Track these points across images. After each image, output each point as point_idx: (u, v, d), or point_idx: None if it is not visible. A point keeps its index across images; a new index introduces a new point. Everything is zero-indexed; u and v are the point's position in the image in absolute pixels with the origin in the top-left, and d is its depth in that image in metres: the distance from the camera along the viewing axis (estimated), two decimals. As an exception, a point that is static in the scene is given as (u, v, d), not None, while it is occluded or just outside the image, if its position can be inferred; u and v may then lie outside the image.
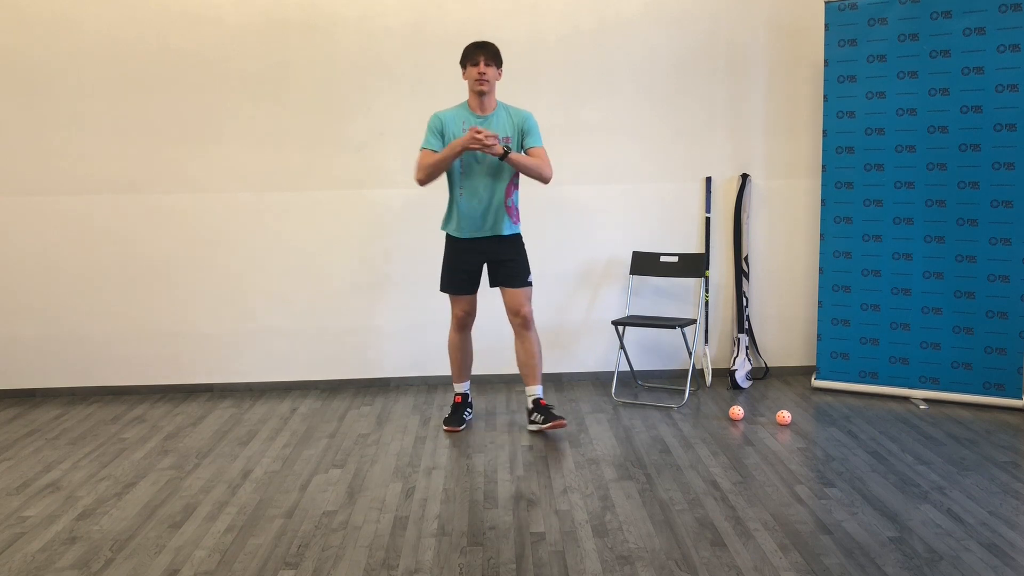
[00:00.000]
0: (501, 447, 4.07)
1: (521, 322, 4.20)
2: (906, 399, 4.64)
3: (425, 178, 4.08)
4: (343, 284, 5.08)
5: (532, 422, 4.24)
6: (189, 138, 4.93)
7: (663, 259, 4.95)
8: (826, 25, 4.66)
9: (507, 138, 4.08)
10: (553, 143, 4.92)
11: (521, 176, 4.19)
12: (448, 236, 4.24)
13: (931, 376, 4.60)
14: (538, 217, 5.01)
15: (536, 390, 4.25)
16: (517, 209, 4.21)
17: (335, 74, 4.90)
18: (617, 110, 4.99)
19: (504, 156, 3.96)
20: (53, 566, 2.97)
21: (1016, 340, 4.39)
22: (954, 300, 4.51)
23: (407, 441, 4.19)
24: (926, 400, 4.59)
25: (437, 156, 4.02)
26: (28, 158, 4.94)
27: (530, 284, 4.24)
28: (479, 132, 3.87)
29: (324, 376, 5.16)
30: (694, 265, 4.90)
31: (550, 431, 4.22)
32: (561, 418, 4.16)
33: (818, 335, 4.86)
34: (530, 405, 4.26)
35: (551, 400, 4.77)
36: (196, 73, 4.88)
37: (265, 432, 4.38)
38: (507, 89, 4.81)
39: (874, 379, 4.74)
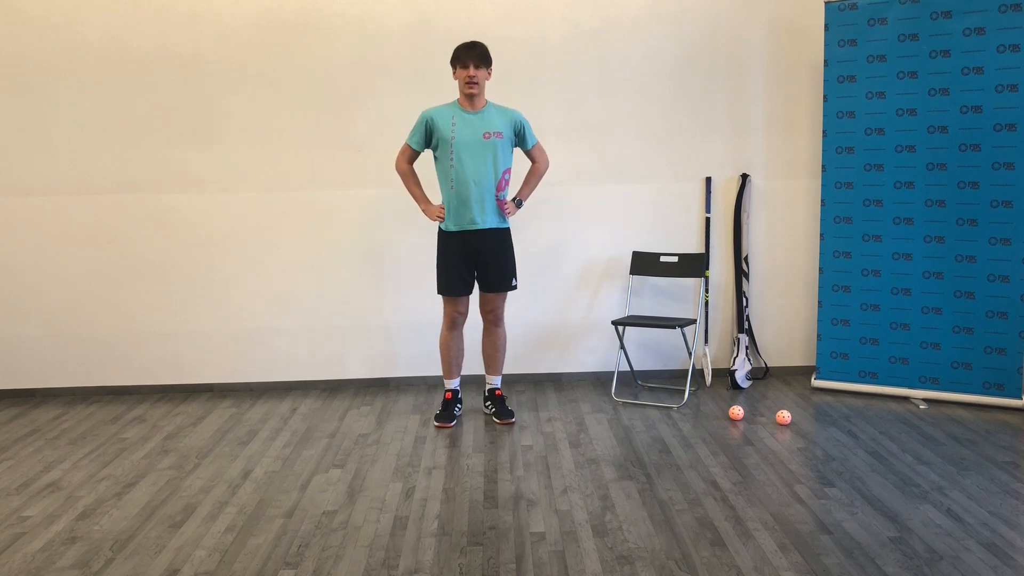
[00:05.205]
0: (501, 447, 4.07)
1: (493, 319, 4.44)
2: (906, 399, 4.64)
3: (400, 177, 4.35)
4: (343, 284, 5.08)
5: (486, 408, 4.57)
6: (189, 138, 4.93)
7: (663, 259, 4.95)
8: (826, 25, 4.65)
9: (498, 133, 4.19)
10: (553, 143, 4.92)
11: (513, 172, 4.37)
12: (440, 232, 4.32)
13: (931, 376, 4.60)
14: (538, 217, 5.01)
15: (495, 380, 4.54)
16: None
17: (335, 74, 4.90)
18: (617, 110, 4.99)
19: (520, 205, 4.35)
20: (53, 566, 2.97)
21: (1016, 340, 4.39)
22: (954, 300, 4.51)
23: (407, 441, 4.19)
24: (926, 400, 4.59)
25: (412, 187, 4.30)
26: (28, 158, 4.94)
27: (514, 287, 4.39)
28: (507, 209, 4.24)
29: (324, 376, 5.16)
30: (694, 265, 4.90)
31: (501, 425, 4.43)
32: (511, 416, 4.42)
33: (818, 335, 4.86)
34: (486, 392, 4.56)
35: (551, 400, 4.79)
36: (196, 73, 4.88)
37: (265, 432, 4.38)
38: (508, 89, 4.81)
39: (874, 379, 4.74)
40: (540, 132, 4.86)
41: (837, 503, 3.32)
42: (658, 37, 4.94)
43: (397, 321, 5.11)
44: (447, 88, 4.46)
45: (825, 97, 4.72)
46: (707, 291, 5.05)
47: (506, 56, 4.85)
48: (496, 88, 4.66)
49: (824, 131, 4.74)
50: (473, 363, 4.87)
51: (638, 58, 4.96)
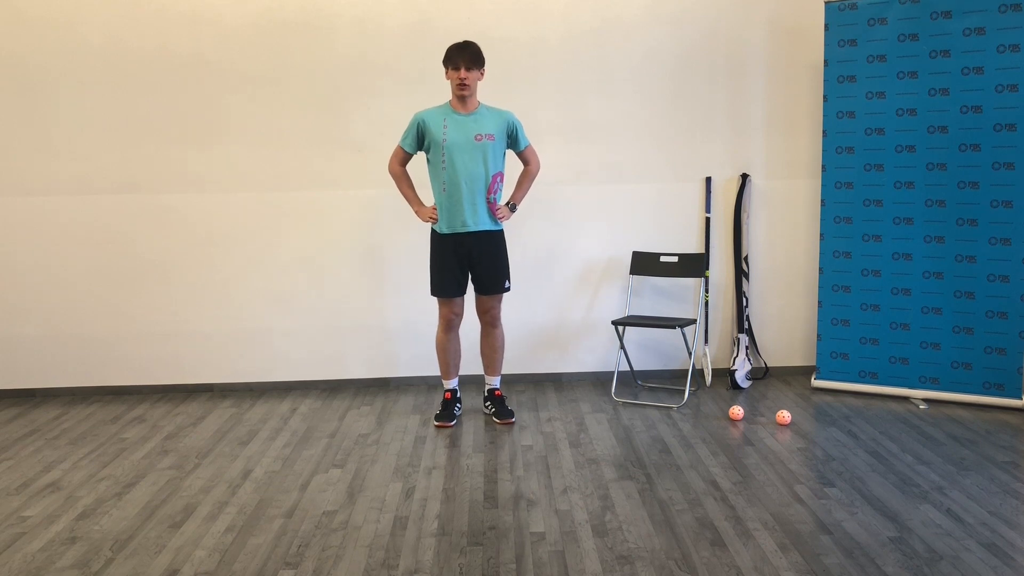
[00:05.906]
0: (501, 447, 4.07)
1: (490, 320, 4.44)
2: (906, 399, 4.64)
3: (393, 179, 4.37)
4: (343, 284, 5.08)
5: (486, 408, 4.57)
6: (189, 138, 4.93)
7: (663, 259, 4.95)
8: (826, 25, 4.65)
9: (490, 135, 4.18)
10: (553, 143, 4.93)
11: (506, 174, 4.37)
12: (433, 233, 4.33)
13: (931, 376, 4.60)
14: (538, 217, 5.01)
15: (494, 381, 4.54)
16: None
17: (335, 74, 4.90)
18: (617, 110, 4.99)
19: (514, 209, 4.36)
20: (53, 566, 2.97)
21: (1016, 340, 4.39)
22: (954, 300, 4.51)
23: (407, 441, 4.19)
24: (926, 400, 4.59)
25: (404, 189, 4.33)
26: (28, 158, 4.94)
27: (507, 289, 4.39)
28: (500, 213, 4.25)
29: (324, 376, 5.16)
30: (694, 265, 4.90)
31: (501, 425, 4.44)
32: (511, 416, 4.42)
33: (818, 335, 4.86)
34: (486, 392, 4.57)
35: (551, 400, 4.79)
36: (196, 73, 4.88)
37: (265, 432, 4.38)
38: (507, 89, 4.81)
39: (874, 379, 4.74)
40: (540, 132, 4.87)
41: (837, 503, 3.33)
42: (658, 37, 4.94)
43: (397, 321, 5.11)
44: (447, 88, 4.45)
45: (825, 97, 4.72)
46: (707, 291, 5.05)
47: (506, 56, 4.85)
48: (496, 88, 4.66)
49: (824, 131, 4.74)
50: (472, 363, 4.87)
51: (638, 58, 4.96)
